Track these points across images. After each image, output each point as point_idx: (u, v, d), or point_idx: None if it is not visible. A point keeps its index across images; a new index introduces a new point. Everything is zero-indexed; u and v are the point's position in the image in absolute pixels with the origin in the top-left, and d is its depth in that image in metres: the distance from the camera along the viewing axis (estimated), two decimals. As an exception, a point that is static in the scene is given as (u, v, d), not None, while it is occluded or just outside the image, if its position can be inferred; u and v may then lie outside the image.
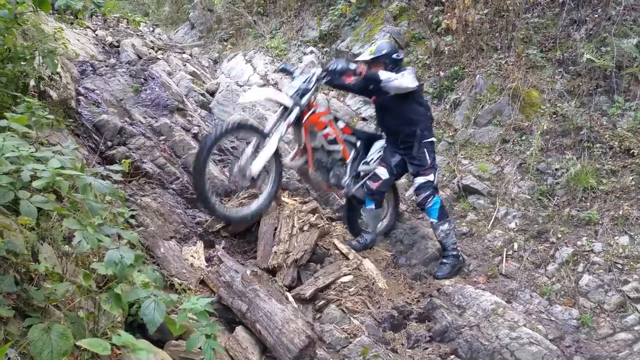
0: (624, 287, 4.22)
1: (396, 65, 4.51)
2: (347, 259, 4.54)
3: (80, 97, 5.68)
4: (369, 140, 4.99)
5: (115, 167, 1.89)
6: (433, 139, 4.71)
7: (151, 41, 10.38)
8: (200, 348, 1.81)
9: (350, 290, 4.26)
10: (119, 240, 1.85)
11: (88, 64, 6.96)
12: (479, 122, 6.10)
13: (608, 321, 4.09)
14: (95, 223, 1.57)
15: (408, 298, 4.33)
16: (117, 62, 7.85)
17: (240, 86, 8.07)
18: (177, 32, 12.80)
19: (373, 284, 4.33)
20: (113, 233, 1.70)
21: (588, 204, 4.98)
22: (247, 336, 3.36)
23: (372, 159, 4.88)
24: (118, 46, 9.07)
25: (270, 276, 4.24)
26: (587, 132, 5.34)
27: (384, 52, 4.47)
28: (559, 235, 4.82)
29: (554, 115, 5.73)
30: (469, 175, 5.63)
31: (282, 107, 4.28)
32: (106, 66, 7.15)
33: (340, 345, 3.63)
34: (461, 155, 5.96)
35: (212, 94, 7.90)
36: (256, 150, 4.14)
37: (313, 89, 4.33)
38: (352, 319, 3.92)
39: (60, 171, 1.45)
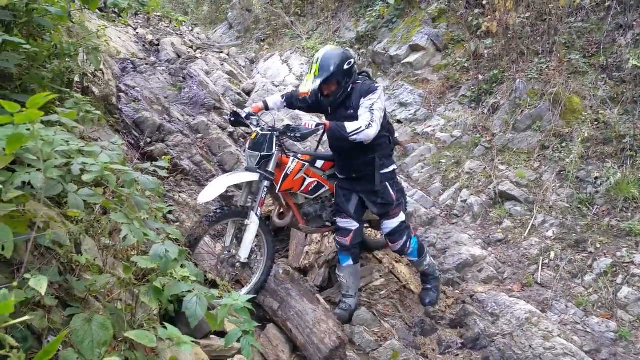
0: (666, 302, 4.07)
1: (351, 76, 3.63)
2: (380, 262, 4.53)
3: (121, 94, 5.84)
4: None
5: (161, 163, 1.93)
6: (393, 166, 3.96)
7: (190, 40, 10.58)
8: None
9: (382, 293, 4.25)
10: (163, 235, 1.89)
11: (129, 61, 7.13)
12: (518, 127, 5.99)
13: (648, 336, 3.95)
14: (142, 218, 1.61)
15: (441, 303, 4.28)
16: (157, 60, 8.04)
17: (276, 86, 8.15)
18: (215, 31, 13.00)
19: (405, 287, 4.30)
20: (158, 227, 1.74)
21: (629, 214, 4.82)
22: (277, 334, 3.39)
23: None
24: (158, 44, 9.28)
25: (302, 276, 4.27)
26: (631, 140, 5.17)
27: (331, 69, 3.49)
28: (598, 246, 4.68)
29: (596, 123, 5.57)
30: (506, 181, 5.52)
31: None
32: (146, 64, 7.33)
33: (370, 348, 3.63)
34: (498, 160, 5.85)
35: (249, 93, 8.00)
36: (237, 235, 3.66)
37: (276, 151, 3.59)
38: (382, 322, 3.91)
39: (109, 166, 1.50)
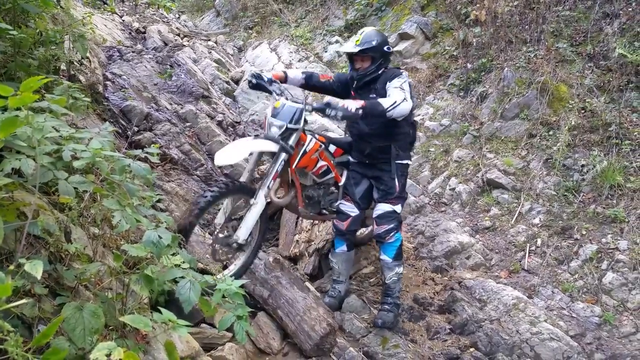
0: (649, 287, 4.15)
1: (386, 61, 3.69)
2: (374, 249, 4.56)
3: (108, 83, 5.76)
4: None
5: (151, 149, 1.92)
6: (408, 161, 3.93)
7: (177, 28, 10.45)
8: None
9: (371, 281, 4.29)
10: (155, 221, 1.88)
11: (115, 49, 7.03)
12: (506, 116, 6.03)
13: (631, 320, 4.04)
14: (134, 204, 1.61)
15: (429, 290, 4.33)
16: (143, 48, 7.93)
17: (265, 74, 8.09)
18: (202, 19, 12.86)
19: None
20: (150, 214, 1.74)
21: (614, 201, 4.90)
22: (268, 322, 3.41)
23: None
24: (144, 32, 9.16)
25: (292, 264, 4.28)
26: (616, 128, 5.23)
27: (373, 43, 3.56)
28: (584, 232, 4.76)
29: (583, 111, 5.63)
30: (494, 169, 5.57)
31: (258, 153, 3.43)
32: (133, 52, 7.23)
33: (360, 334, 3.67)
34: (486, 149, 5.90)
35: (237, 82, 7.94)
36: (234, 213, 3.36)
37: (302, 126, 3.41)
38: (372, 309, 3.95)
39: (100, 152, 1.49)
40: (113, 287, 2.04)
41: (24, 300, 1.26)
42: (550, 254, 4.69)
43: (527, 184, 5.37)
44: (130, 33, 9.00)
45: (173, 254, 1.72)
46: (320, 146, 3.70)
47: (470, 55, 6.84)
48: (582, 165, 5.24)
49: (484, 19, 6.58)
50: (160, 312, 1.54)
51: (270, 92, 3.61)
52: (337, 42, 8.39)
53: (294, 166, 3.52)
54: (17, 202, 1.68)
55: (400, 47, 7.53)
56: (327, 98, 3.64)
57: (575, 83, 5.87)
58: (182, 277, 1.60)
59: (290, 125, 3.31)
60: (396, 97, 3.39)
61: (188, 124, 5.73)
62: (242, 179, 3.43)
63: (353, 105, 3.23)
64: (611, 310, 4.14)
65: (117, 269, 1.94)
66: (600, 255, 4.52)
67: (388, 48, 3.64)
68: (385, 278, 3.83)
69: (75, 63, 4.69)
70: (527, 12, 6.59)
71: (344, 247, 3.96)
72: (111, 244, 2.45)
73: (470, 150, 5.99)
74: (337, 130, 6.44)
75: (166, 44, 8.58)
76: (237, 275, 3.24)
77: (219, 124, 6.09)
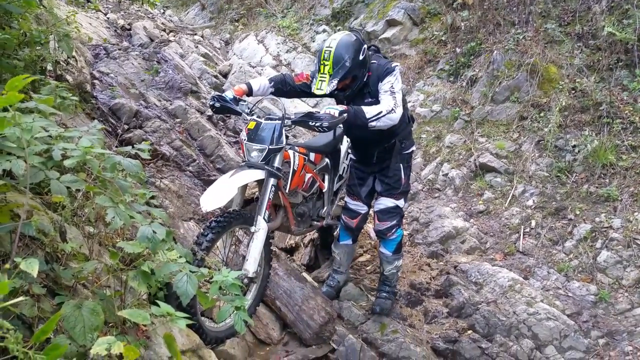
0: (643, 263, 4.20)
1: (366, 66, 3.26)
2: (369, 237, 4.58)
3: (95, 81, 5.72)
4: (333, 150, 3.86)
5: (142, 145, 1.91)
6: (413, 148, 3.74)
7: (162, 23, 10.37)
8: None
9: (368, 268, 4.31)
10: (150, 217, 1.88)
11: (101, 47, 6.98)
12: (497, 99, 6.04)
13: (626, 296, 4.09)
14: (127, 201, 1.60)
15: (425, 275, 4.36)
16: (129, 45, 7.87)
17: (253, 67, 8.06)
18: (187, 13, 12.76)
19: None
20: (143, 210, 1.73)
21: (607, 180, 4.93)
22: (267, 313, 3.43)
23: (345, 169, 4.03)
24: (130, 29, 9.09)
25: (288, 255, 4.30)
26: (607, 107, 5.26)
27: (347, 64, 3.09)
28: (577, 212, 4.79)
29: (573, 91, 5.65)
30: (486, 153, 5.59)
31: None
32: (119, 49, 7.17)
33: (358, 322, 3.69)
34: (478, 133, 5.91)
35: (225, 75, 7.91)
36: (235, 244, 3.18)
37: (285, 144, 3.04)
38: (369, 296, 3.97)
39: (91, 150, 1.48)
40: (111, 285, 2.05)
41: (22, 298, 1.25)
42: (544, 235, 4.73)
43: (520, 166, 5.39)
44: (115, 30, 8.92)
45: (168, 249, 1.72)
46: (305, 159, 3.41)
47: (459, 40, 6.83)
48: (574, 146, 5.27)
49: (471, 2, 6.57)
50: (159, 304, 1.55)
51: (238, 113, 3.17)
52: (324, 31, 8.35)
53: (287, 191, 3.25)
54: (10, 204, 1.68)
55: (388, 34, 7.51)
56: (305, 107, 3.32)
57: (565, 63, 5.88)
58: (179, 271, 1.60)
59: (272, 147, 2.96)
60: (383, 106, 3.12)
61: (178, 120, 5.71)
62: (235, 207, 3.11)
63: (336, 110, 2.96)
64: (606, 288, 4.19)
65: (114, 267, 1.94)
66: (594, 234, 4.56)
67: (363, 52, 3.19)
68: (384, 270, 3.80)
69: (62, 63, 4.66)
70: (514, -6, 6.58)
71: (349, 241, 3.92)
72: (107, 242, 2.45)
73: (461, 135, 6.00)
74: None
75: (152, 40, 8.52)
76: (253, 308, 3.05)
77: (209, 118, 6.07)
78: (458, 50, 6.72)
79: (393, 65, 3.31)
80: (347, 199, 3.86)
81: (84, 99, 4.99)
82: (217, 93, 3.30)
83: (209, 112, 6.12)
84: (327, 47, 3.15)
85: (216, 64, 8.31)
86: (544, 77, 5.83)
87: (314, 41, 8.37)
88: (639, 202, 4.60)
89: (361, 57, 3.16)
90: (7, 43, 2.81)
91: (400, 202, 3.66)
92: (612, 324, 3.91)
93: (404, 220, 4.64)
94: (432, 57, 7.08)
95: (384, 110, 3.09)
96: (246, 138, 3.04)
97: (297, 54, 8.21)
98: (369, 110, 3.07)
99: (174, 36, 9.24)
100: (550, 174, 5.22)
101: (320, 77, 3.13)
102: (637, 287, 4.12)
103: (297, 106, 6.86)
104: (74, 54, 4.86)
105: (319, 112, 2.97)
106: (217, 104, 3.15)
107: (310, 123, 2.89)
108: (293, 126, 3.09)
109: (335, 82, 3.09)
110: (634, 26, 5.50)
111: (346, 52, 3.10)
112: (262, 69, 7.94)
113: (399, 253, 3.78)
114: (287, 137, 3.08)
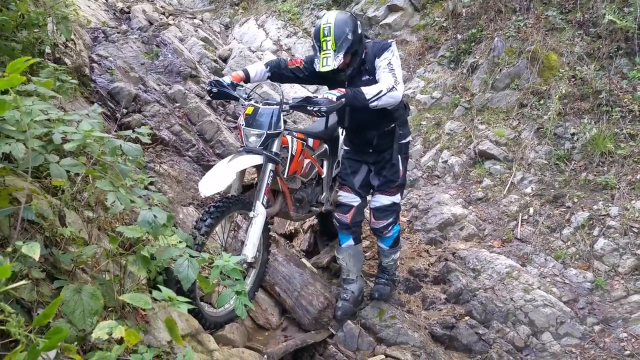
0: (639, 251, 4.22)
1: (362, 42, 3.18)
2: (367, 223, 4.59)
3: (94, 65, 5.67)
4: (332, 136, 3.80)
5: (142, 129, 1.90)
6: (409, 138, 3.60)
7: (161, 6, 10.25)
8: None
9: (366, 255, 4.32)
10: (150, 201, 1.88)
11: (100, 30, 6.90)
12: (497, 87, 6.02)
13: (622, 284, 4.12)
14: (127, 185, 1.60)
15: (423, 262, 4.38)
16: (128, 29, 7.80)
17: (253, 52, 8.01)
18: (187, -4, 12.62)
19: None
20: (144, 195, 1.73)
21: (605, 168, 4.94)
22: (266, 298, 3.44)
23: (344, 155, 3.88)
24: (129, 12, 8.99)
25: (287, 241, 4.31)
26: (606, 95, 5.24)
27: (349, 37, 3.01)
28: (575, 200, 4.80)
29: (573, 79, 5.63)
30: (486, 140, 5.59)
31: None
32: (118, 33, 7.10)
33: (357, 308, 3.71)
34: (478, 120, 5.90)
35: (225, 60, 7.85)
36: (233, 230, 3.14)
37: (283, 129, 3.01)
38: (368, 282, 3.99)
39: (91, 133, 1.47)
40: (110, 269, 2.05)
41: (22, 282, 1.26)
42: (542, 223, 4.74)
43: (519, 154, 5.39)
44: (114, 13, 8.83)
45: (169, 234, 1.72)
46: (303, 145, 3.37)
47: (460, 26, 6.78)
48: (573, 134, 5.27)
49: (473, -12, 6.52)
50: (160, 289, 1.55)
51: (236, 99, 3.16)
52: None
53: (285, 176, 3.21)
54: (9, 188, 1.67)
55: (390, 19, 7.46)
56: (305, 93, 3.25)
57: (565, 51, 5.86)
58: (180, 256, 1.61)
59: (270, 132, 2.93)
60: (383, 85, 3.02)
61: (177, 104, 5.68)
62: (233, 193, 3.09)
63: (334, 95, 2.89)
64: (603, 275, 4.22)
65: (114, 251, 1.94)
66: (591, 222, 4.57)
67: (360, 28, 3.12)
68: (382, 262, 3.76)
69: (60, 46, 4.61)
70: (516, -20, 6.53)
71: (351, 242, 3.61)
72: (106, 227, 2.45)
73: (461, 123, 5.99)
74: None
75: (151, 24, 8.44)
76: (252, 292, 3.06)
77: (209, 103, 6.03)
78: (459, 36, 6.68)
79: (389, 41, 3.23)
80: (339, 192, 3.67)
81: (83, 83, 4.95)
82: (215, 78, 3.26)
83: (208, 96, 6.08)
84: (324, 24, 3.07)
85: (216, 48, 8.25)
86: (544, 64, 5.81)
87: (314, 26, 8.30)
88: (637, 190, 4.61)
89: (359, 31, 3.10)
90: (5, 25, 2.79)
91: (396, 198, 3.54)
92: (608, 311, 3.95)
93: (402, 208, 4.63)
94: (433, 43, 7.04)
95: (384, 88, 2.99)
96: (244, 123, 3.02)
97: (298, 39, 8.16)
98: (368, 91, 2.98)
99: (173, 20, 9.16)
100: (549, 161, 5.23)
101: (324, 54, 3.03)
102: (633, 275, 4.16)
103: (297, 91, 6.83)
104: (72, 36, 4.81)
105: (316, 97, 2.92)
106: (215, 89, 3.14)
107: (308, 108, 2.86)
108: (291, 111, 3.06)
109: (341, 55, 2.99)
110: (635, 14, 5.46)
111: (346, 25, 3.03)
112: (262, 54, 7.88)
113: (396, 247, 3.69)
114: (285, 122, 3.04)
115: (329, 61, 3.01)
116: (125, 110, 5.09)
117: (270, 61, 3.51)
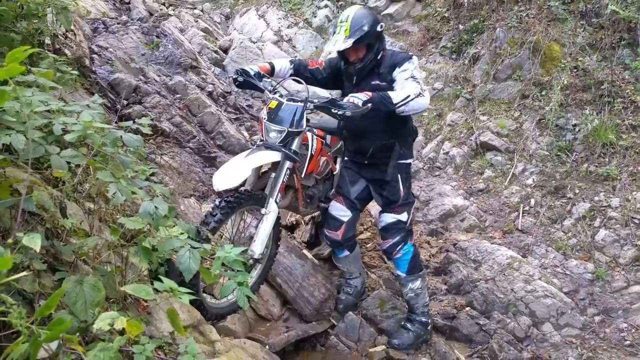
0: (639, 242, 4.23)
1: (382, 42, 3.15)
2: (370, 215, 4.59)
3: (94, 55, 5.65)
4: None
5: (143, 120, 1.89)
6: (411, 160, 3.50)
7: (162, -3, 10.21)
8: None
9: (368, 246, 4.33)
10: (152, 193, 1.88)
11: (100, 21, 6.87)
12: (499, 77, 5.99)
13: (623, 275, 4.12)
14: (128, 176, 1.60)
15: (425, 253, 4.39)
16: (128, 19, 7.76)
17: (254, 42, 7.97)
18: (187, -13, 12.54)
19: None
20: (145, 186, 1.73)
21: (607, 159, 4.93)
22: (267, 289, 3.45)
23: None
24: (129, 3, 8.93)
25: (289, 233, 4.31)
26: (608, 86, 5.22)
27: (365, 28, 2.96)
28: (577, 191, 4.80)
29: (575, 70, 5.60)
30: (487, 131, 5.57)
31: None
32: (118, 23, 7.07)
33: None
34: (479, 111, 5.88)
35: (225, 50, 7.81)
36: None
37: (305, 128, 2.94)
38: (369, 273, 4.00)
39: (91, 124, 1.46)
40: (112, 261, 2.05)
41: (24, 273, 1.26)
42: (543, 214, 4.74)
43: (520, 145, 5.38)
44: (114, 4, 8.77)
45: (170, 225, 1.72)
46: (322, 143, 3.32)
47: (462, 17, 6.74)
48: (575, 125, 5.25)
49: (474, -22, 6.47)
50: (162, 280, 1.55)
51: (261, 90, 3.08)
52: (326, 6, 8.24)
53: (302, 175, 3.16)
54: (10, 179, 1.67)
55: (391, 9, 7.42)
56: (327, 93, 3.18)
57: (568, 42, 5.82)
58: (182, 247, 1.60)
59: (291, 129, 2.85)
60: (410, 91, 2.92)
61: (178, 95, 5.66)
62: (247, 187, 3.01)
63: (360, 99, 2.79)
64: (603, 266, 4.22)
65: (115, 243, 1.94)
66: (593, 213, 4.57)
67: (381, 27, 3.08)
68: (402, 295, 3.54)
69: (60, 36, 4.59)
70: (519, -30, 6.47)
71: (346, 252, 3.58)
72: (107, 218, 2.45)
73: (463, 114, 5.97)
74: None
75: (151, 14, 8.39)
76: (257, 285, 3.05)
77: (210, 94, 6.02)
78: (461, 27, 6.64)
79: (410, 54, 3.20)
80: (331, 204, 3.52)
81: (83, 74, 4.93)
82: (242, 67, 3.17)
83: (209, 87, 6.07)
84: (345, 13, 3.08)
85: (216, 39, 8.21)
86: (547, 55, 5.78)
87: (315, 16, 8.26)
88: (638, 182, 4.61)
89: (378, 29, 3.06)
90: (4, 15, 2.77)
91: (403, 216, 3.37)
92: (608, 302, 3.95)
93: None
94: (435, 33, 7.00)
95: (412, 94, 2.91)
96: (266, 117, 2.93)
97: (299, 30, 8.12)
98: (395, 95, 2.91)
99: (174, 10, 9.12)
100: (551, 152, 5.21)
101: (336, 36, 3.01)
102: (634, 266, 4.16)
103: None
104: (72, 27, 4.79)
105: (342, 100, 2.84)
106: (241, 78, 3.08)
107: (332, 110, 2.79)
108: (314, 110, 2.96)
109: (350, 41, 2.94)
110: (638, 4, 5.43)
111: (364, 17, 3.00)
112: (263, 45, 7.85)
113: (415, 273, 3.40)
114: (308, 120, 2.95)
115: (338, 43, 2.97)
116: (125, 102, 5.07)
117: (294, 59, 3.50)
